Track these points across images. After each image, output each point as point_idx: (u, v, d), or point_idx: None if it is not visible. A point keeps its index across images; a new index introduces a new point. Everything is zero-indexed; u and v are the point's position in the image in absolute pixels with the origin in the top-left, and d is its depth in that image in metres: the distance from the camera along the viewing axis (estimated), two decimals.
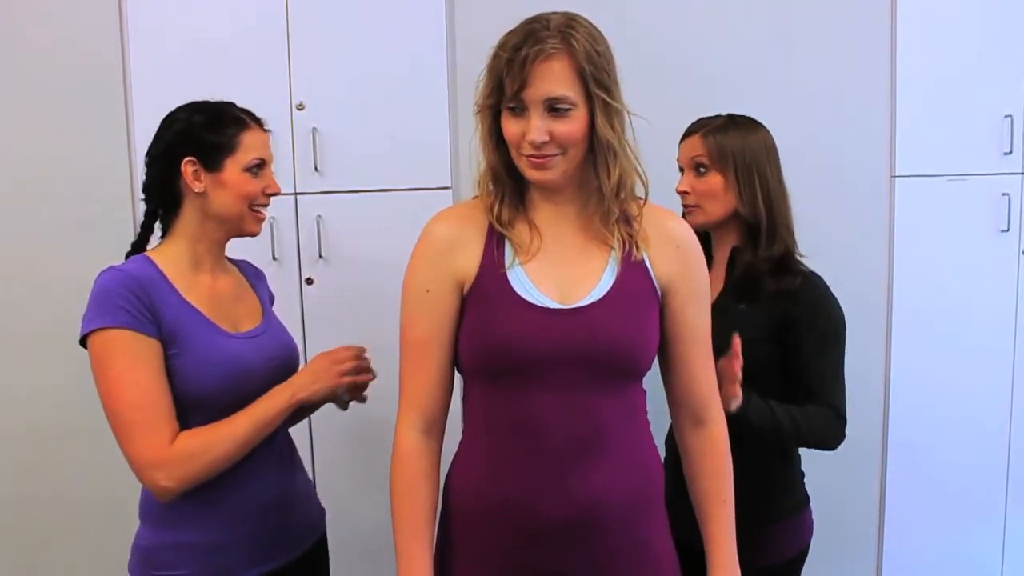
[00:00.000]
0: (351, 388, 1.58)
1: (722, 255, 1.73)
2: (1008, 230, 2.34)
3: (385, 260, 2.18)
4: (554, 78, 1.21)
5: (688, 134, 1.75)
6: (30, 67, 2.18)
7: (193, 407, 1.43)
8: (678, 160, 1.76)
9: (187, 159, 1.47)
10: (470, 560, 1.34)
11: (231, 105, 1.54)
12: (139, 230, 1.57)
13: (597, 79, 1.21)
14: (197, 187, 1.47)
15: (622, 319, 1.27)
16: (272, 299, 1.71)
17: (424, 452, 1.33)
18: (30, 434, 2.26)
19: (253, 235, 1.56)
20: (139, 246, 1.56)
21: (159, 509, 1.46)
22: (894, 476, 2.42)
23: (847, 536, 2.45)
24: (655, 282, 1.31)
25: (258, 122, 1.55)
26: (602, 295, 1.27)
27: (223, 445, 1.40)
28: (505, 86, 1.22)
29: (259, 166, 1.51)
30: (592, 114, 1.23)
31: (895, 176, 2.34)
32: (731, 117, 1.73)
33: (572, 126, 1.23)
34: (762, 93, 2.33)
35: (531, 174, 1.27)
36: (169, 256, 1.50)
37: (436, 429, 1.35)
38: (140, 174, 2.14)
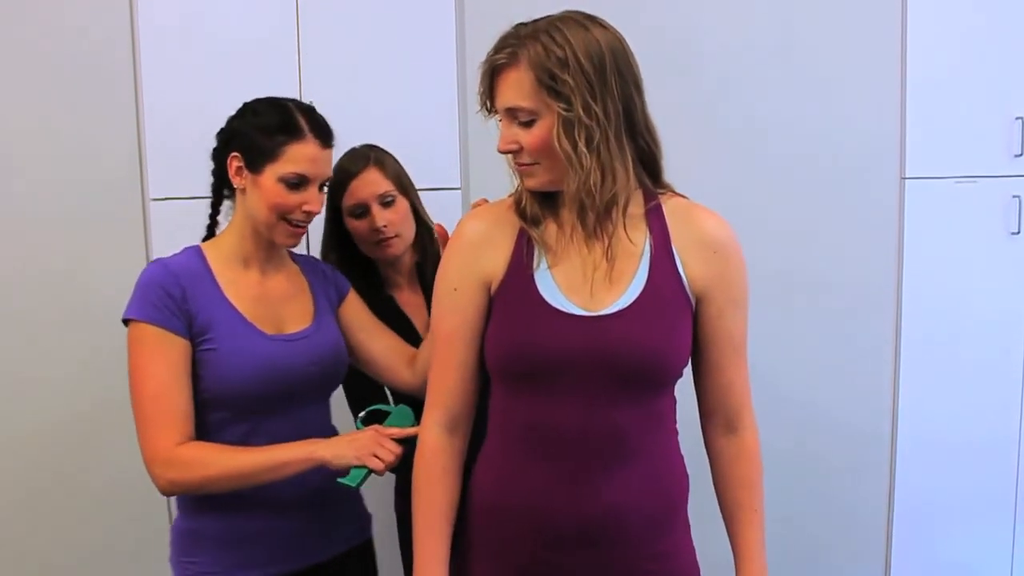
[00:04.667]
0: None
1: None
2: (1019, 233, 2.33)
3: None
4: (511, 88, 1.21)
5: None
6: (40, 66, 2.18)
7: (218, 402, 1.44)
8: None
9: (233, 154, 1.48)
10: (486, 559, 1.33)
11: (302, 111, 1.50)
12: (209, 210, 1.61)
13: (553, 89, 1.17)
14: (238, 183, 1.49)
15: (649, 328, 1.23)
16: (340, 294, 1.66)
17: (447, 450, 1.32)
18: (42, 430, 2.26)
19: (285, 246, 1.54)
20: (210, 229, 1.60)
21: (187, 498, 1.49)
22: (903, 478, 2.42)
23: (856, 539, 2.45)
24: (688, 288, 1.27)
25: (322, 137, 1.50)
26: (630, 302, 1.23)
27: (221, 468, 1.39)
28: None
29: (299, 181, 1.47)
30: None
31: (905, 178, 2.33)
32: None
33: (534, 136, 1.21)
34: (771, 95, 2.33)
35: (521, 181, 1.28)
36: (220, 249, 1.52)
37: (461, 426, 1.33)
38: (149, 172, 2.20)
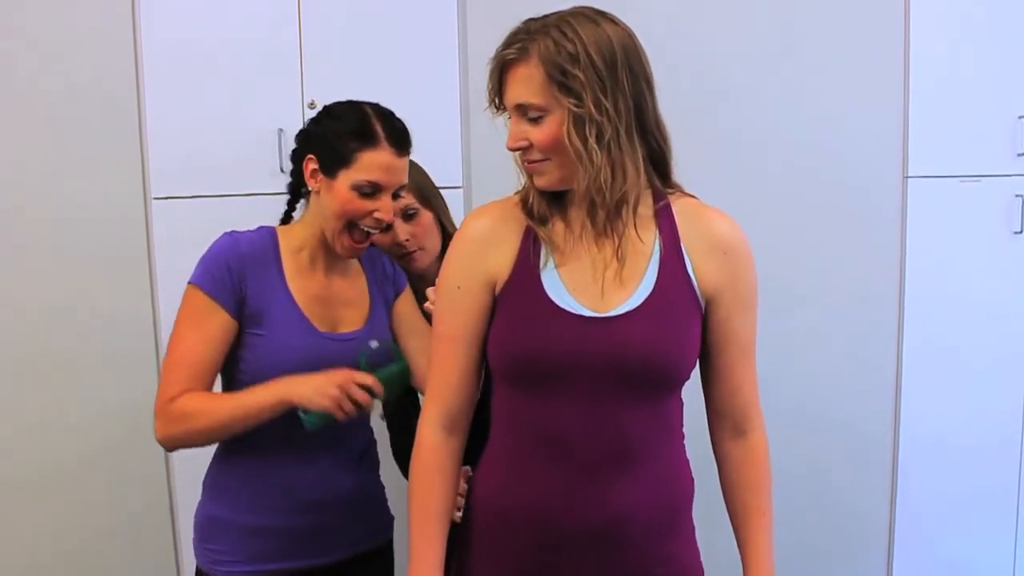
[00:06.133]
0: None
1: None
2: (1021, 232, 2.33)
3: None
4: (520, 84, 1.18)
5: None
6: (44, 65, 2.18)
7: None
8: None
9: (309, 156, 1.50)
10: (489, 561, 1.32)
11: (380, 116, 1.49)
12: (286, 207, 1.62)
13: (563, 85, 1.15)
14: (313, 185, 1.50)
15: (658, 330, 1.21)
16: (397, 291, 1.65)
17: (443, 449, 1.30)
18: (41, 428, 2.27)
19: (344, 257, 1.54)
20: (287, 212, 1.62)
21: (211, 483, 1.53)
22: (905, 476, 2.42)
23: (858, 540, 2.45)
24: (698, 291, 1.25)
25: (397, 144, 1.49)
26: (638, 304, 1.22)
27: (205, 419, 1.40)
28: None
29: (371, 189, 1.47)
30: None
31: (908, 177, 2.33)
32: None
33: (544, 132, 1.19)
34: (774, 94, 2.33)
35: (530, 179, 1.25)
36: (292, 238, 1.53)
37: (459, 426, 1.32)
38: (152, 174, 2.20)
